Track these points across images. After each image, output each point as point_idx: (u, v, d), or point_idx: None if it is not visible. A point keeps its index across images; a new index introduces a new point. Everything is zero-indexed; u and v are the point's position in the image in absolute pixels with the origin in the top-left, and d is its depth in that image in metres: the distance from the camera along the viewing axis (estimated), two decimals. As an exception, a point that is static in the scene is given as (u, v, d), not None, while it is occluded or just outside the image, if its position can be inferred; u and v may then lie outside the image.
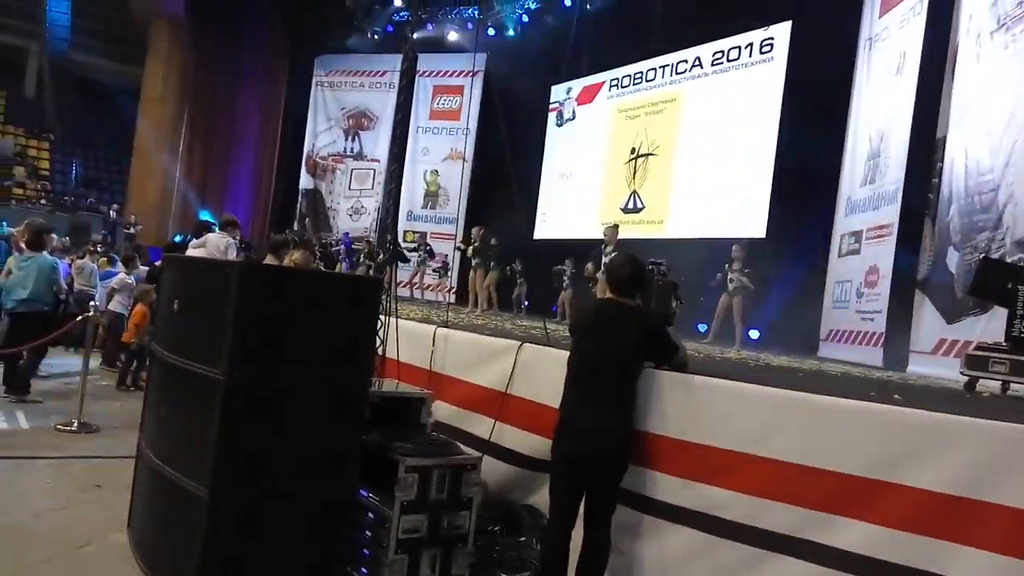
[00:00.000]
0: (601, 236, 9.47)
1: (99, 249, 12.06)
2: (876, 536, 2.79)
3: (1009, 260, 6.16)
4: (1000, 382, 4.49)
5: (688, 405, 3.49)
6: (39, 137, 24.99)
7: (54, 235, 7.62)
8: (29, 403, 6.75)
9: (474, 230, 11.43)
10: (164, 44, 19.09)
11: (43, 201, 22.84)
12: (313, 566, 3.46)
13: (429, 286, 14.81)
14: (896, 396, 3.40)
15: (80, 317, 6.42)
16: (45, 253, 7.07)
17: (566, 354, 3.68)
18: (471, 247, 11.01)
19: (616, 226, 9.67)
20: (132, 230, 17.34)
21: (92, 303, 6.76)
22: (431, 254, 13.74)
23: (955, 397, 4.30)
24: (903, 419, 2.87)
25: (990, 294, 5.10)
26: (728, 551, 3.23)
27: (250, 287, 3.20)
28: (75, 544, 3.79)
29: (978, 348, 4.67)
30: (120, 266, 9.75)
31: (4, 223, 11.79)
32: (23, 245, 7.07)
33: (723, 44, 12.51)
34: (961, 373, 4.70)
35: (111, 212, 19.76)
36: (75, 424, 6.05)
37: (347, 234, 16.53)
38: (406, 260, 12.27)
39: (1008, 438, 2.61)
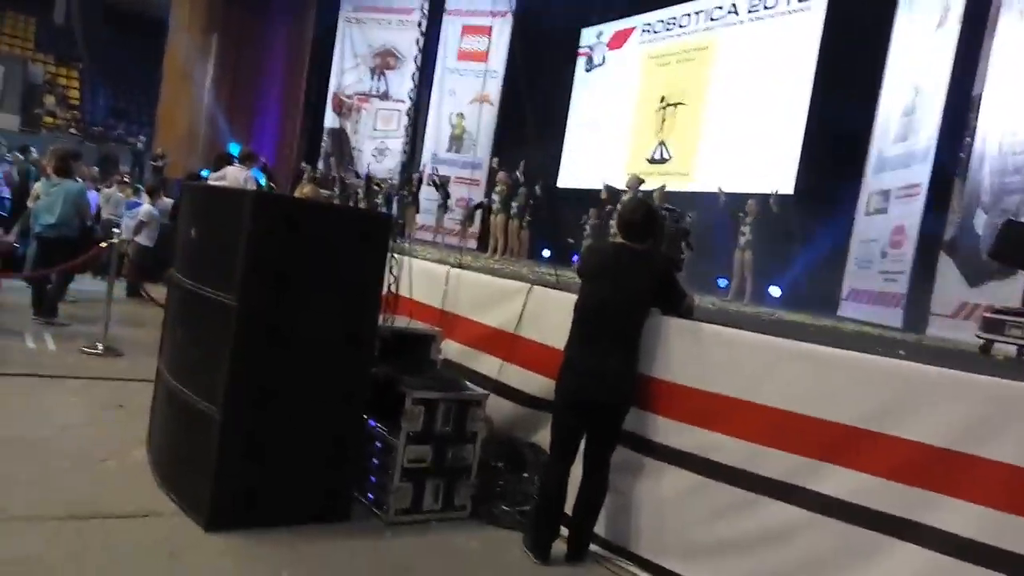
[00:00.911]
0: (624, 187, 9.42)
1: (126, 180, 12.19)
2: (866, 484, 2.85)
3: (1040, 224, 6.03)
4: (1016, 347, 4.46)
5: (691, 351, 3.53)
6: (68, 65, 25.06)
7: (83, 163, 7.69)
8: (57, 326, 6.95)
9: (500, 175, 11.35)
10: (192, -25, 18.94)
11: (72, 130, 23.02)
12: (321, 490, 3.60)
13: (452, 231, 14.81)
14: (901, 352, 3.41)
15: (106, 244, 6.54)
16: (73, 179, 7.17)
17: (575, 298, 3.72)
18: (496, 193, 10.96)
19: (638, 176, 9.60)
20: (159, 163, 17.46)
21: (116, 231, 6.88)
22: (446, 194, 13.63)
23: (964, 358, 4.28)
24: (898, 371, 2.90)
25: (1012, 258, 5.02)
26: (722, 493, 3.31)
27: (263, 216, 3.26)
28: (97, 458, 3.95)
29: (995, 311, 4.63)
30: (144, 197, 9.88)
31: (32, 149, 11.94)
32: (50, 171, 7.19)
33: (761, -9, 12.15)
34: (976, 336, 4.68)
35: (139, 143, 19.90)
36: (100, 347, 6.23)
37: (368, 174, 16.52)
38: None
39: (1001, 395, 2.64)
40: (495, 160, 15.63)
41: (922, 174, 8.27)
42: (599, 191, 11.89)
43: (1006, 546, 2.51)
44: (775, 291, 9.75)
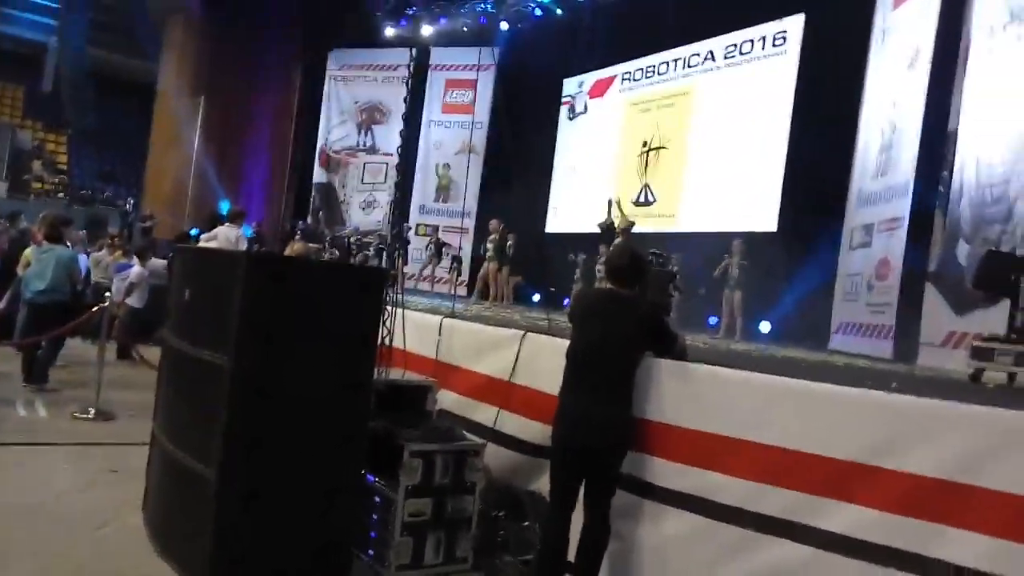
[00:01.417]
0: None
1: (116, 242, 12.22)
2: (870, 519, 2.85)
3: (1020, 253, 6.14)
4: (1006, 373, 4.50)
5: (686, 392, 3.55)
6: (57, 131, 25.31)
7: (73, 228, 7.74)
8: (47, 392, 6.91)
9: (492, 223, 11.44)
10: (179, 39, 19.26)
11: (61, 195, 23.14)
12: (320, 548, 3.56)
13: (440, 279, 14.88)
14: (893, 384, 3.44)
15: (96, 308, 6.54)
16: (64, 245, 7.20)
17: (568, 343, 3.74)
18: (489, 241, 11.02)
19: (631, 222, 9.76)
20: (148, 224, 17.52)
21: (107, 294, 6.88)
22: (439, 253, 13.74)
23: (957, 387, 4.32)
24: (895, 405, 2.93)
25: (995, 286, 5.10)
26: (725, 534, 3.30)
27: (257, 276, 3.29)
28: (94, 525, 3.92)
29: (983, 339, 4.69)
30: (134, 259, 9.90)
31: (22, 216, 11.97)
32: (41, 237, 7.22)
33: (736, 37, 12.47)
34: (967, 364, 4.72)
35: (127, 206, 20.00)
36: (92, 412, 6.19)
37: (357, 227, 16.64)
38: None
39: (999, 424, 2.66)
40: (480, 208, 15.86)
41: (903, 208, 8.40)
42: (586, 235, 12.03)
43: (1009, 575, 2.50)
44: (765, 327, 9.81)
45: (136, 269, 9.12)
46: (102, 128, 24.67)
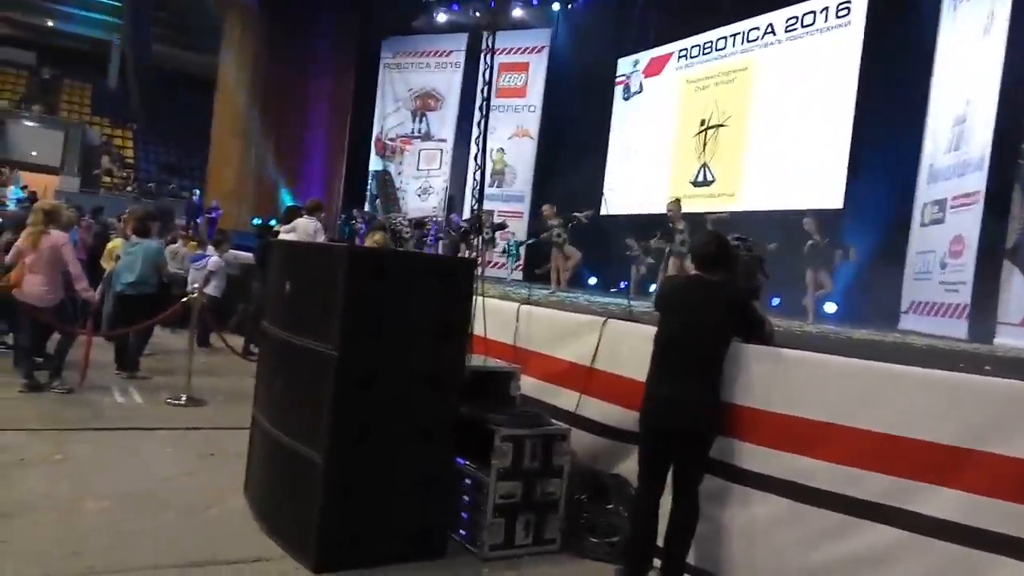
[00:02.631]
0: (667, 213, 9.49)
1: (189, 234, 12.66)
2: (967, 503, 2.85)
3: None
4: (1096, 353, 4.41)
5: (775, 377, 3.57)
6: (123, 127, 26.19)
7: (159, 222, 8.07)
8: (139, 379, 7.25)
9: (546, 208, 11.46)
10: (238, 33, 19.77)
11: (128, 188, 23.99)
12: (417, 528, 3.72)
13: (494, 263, 14.95)
14: (987, 367, 3.41)
15: (184, 299, 6.84)
16: (151, 239, 7.53)
17: (650, 329, 3.80)
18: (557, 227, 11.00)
19: (678, 200, 9.66)
20: (213, 214, 18.08)
21: (195, 285, 7.18)
22: (494, 237, 13.76)
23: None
24: (992, 389, 2.92)
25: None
26: (816, 518, 3.33)
27: (357, 270, 3.43)
28: (201, 507, 4.14)
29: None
30: (210, 249, 10.26)
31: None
32: (129, 231, 7.56)
33: (797, 9, 12.19)
34: (1054, 344, 4.64)
35: (192, 197, 20.64)
36: (184, 398, 6.48)
37: (405, 214, 16.78)
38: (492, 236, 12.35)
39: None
40: (535, 192, 15.86)
41: (978, 182, 8.17)
42: (643, 216, 11.97)
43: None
44: (830, 307, 9.66)
45: (215, 259, 9.47)
46: (166, 122, 25.44)
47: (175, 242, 10.88)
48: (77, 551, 3.43)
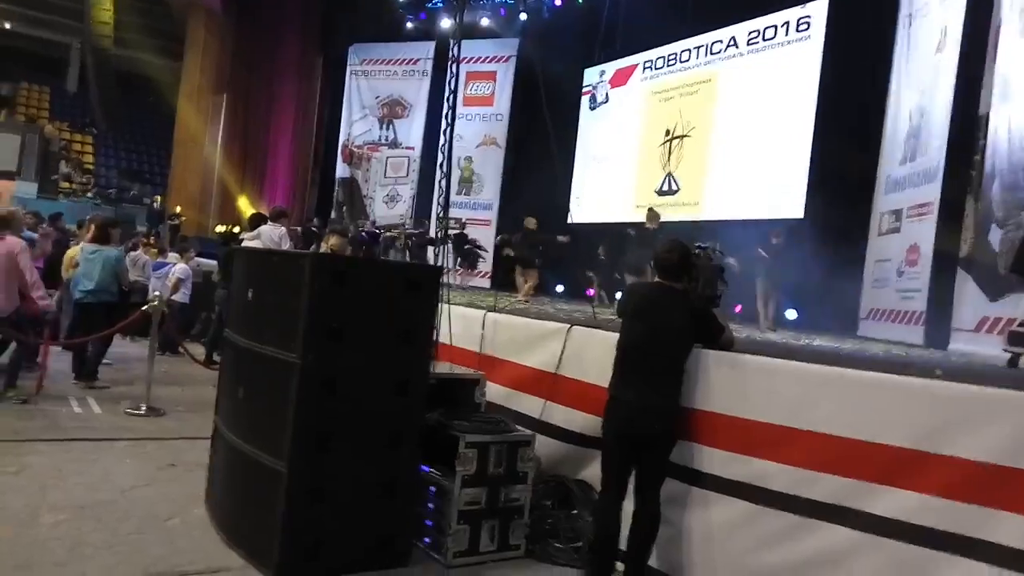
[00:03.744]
0: (633, 219, 9.62)
1: (150, 241, 12.48)
2: (918, 503, 2.94)
3: (1052, 237, 6.16)
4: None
5: (734, 382, 3.65)
6: (83, 132, 25.67)
7: (119, 230, 7.93)
8: (98, 389, 7.12)
9: (529, 220, 11.43)
10: (202, 37, 19.53)
11: (88, 194, 23.50)
12: (381, 535, 3.71)
13: (461, 272, 14.92)
14: (938, 371, 3.52)
15: (145, 308, 6.73)
16: (111, 246, 7.40)
17: (614, 336, 3.85)
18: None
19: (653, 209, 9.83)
20: (176, 221, 17.81)
21: (156, 293, 7.08)
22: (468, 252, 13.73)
23: (997, 373, 4.38)
24: (944, 392, 3.01)
25: (1031, 271, 5.15)
26: (773, 519, 3.40)
27: (321, 277, 3.43)
28: (161, 517, 4.08)
29: (1021, 324, 4.75)
30: (172, 256, 10.12)
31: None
32: (89, 238, 7.42)
33: (758, 23, 12.42)
34: (1004, 350, 4.79)
35: (154, 204, 20.28)
36: (143, 408, 6.38)
37: (373, 221, 16.77)
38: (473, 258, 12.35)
39: (1048, 409, 2.74)
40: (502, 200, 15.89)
41: (932, 193, 8.40)
42: (611, 225, 12.07)
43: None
44: (791, 314, 9.83)
45: (182, 266, 9.34)
46: (127, 127, 25.00)
47: (135, 249, 10.72)
48: (30, 565, 3.36)
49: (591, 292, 11.77)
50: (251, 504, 3.70)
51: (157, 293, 7.18)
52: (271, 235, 6.89)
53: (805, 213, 10.90)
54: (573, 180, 15.94)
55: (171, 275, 8.97)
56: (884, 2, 9.96)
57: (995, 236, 7.34)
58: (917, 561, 2.93)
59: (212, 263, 10.19)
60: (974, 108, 7.91)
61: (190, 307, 9.08)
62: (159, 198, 20.15)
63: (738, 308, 9.71)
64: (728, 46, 12.99)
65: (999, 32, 7.68)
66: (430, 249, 12.78)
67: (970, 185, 7.89)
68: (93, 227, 7.41)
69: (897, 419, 3.07)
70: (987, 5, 7.95)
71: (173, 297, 8.97)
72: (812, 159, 11.03)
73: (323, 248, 6.61)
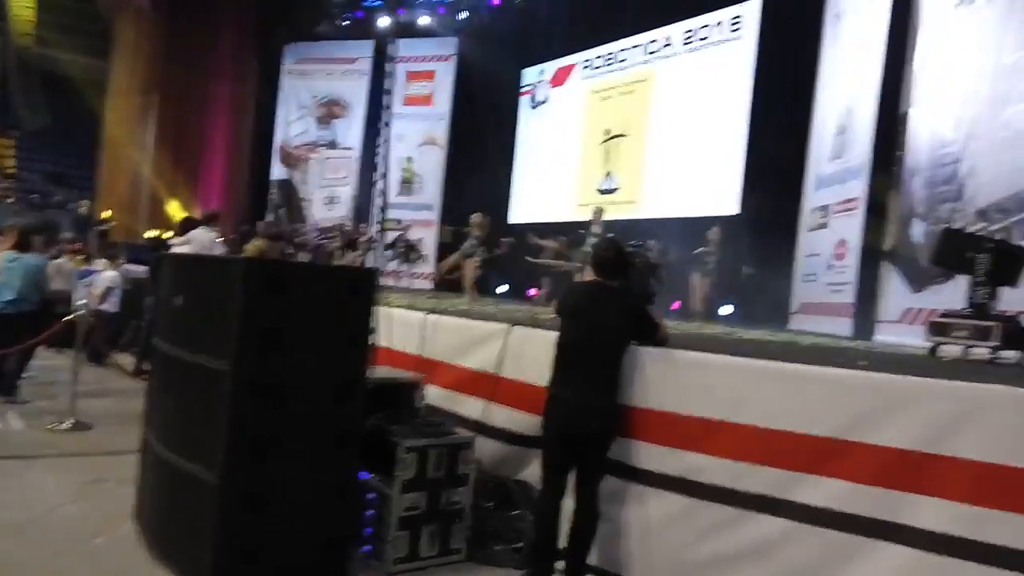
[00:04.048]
0: (578, 218, 9.69)
1: (75, 248, 11.98)
2: (845, 491, 3.04)
3: (971, 230, 6.42)
4: (962, 347, 4.75)
5: (668, 378, 3.71)
6: (4, 135, 24.57)
7: (42, 237, 7.58)
8: (19, 404, 6.81)
9: (475, 217, 11.36)
10: (131, 36, 18.84)
11: (10, 200, 22.50)
12: (320, 546, 3.64)
13: (404, 273, 14.83)
14: (862, 362, 3.63)
15: (69, 318, 6.47)
16: (33, 254, 7.09)
17: (554, 335, 3.87)
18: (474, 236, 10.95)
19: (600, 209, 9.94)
20: (105, 227, 17.15)
21: (81, 302, 6.81)
22: (409, 249, 13.64)
23: (918, 362, 4.54)
24: (866, 382, 3.11)
25: (951, 263, 5.34)
26: (708, 512, 3.47)
27: (253, 282, 3.34)
28: (88, 535, 3.93)
29: (941, 315, 4.93)
30: (99, 264, 9.75)
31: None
32: (9, 246, 7.09)
33: (693, 23, 12.65)
34: (925, 340, 4.96)
35: (81, 209, 19.49)
36: (68, 422, 6.13)
37: (316, 224, 16.55)
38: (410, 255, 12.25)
39: (963, 396, 2.86)
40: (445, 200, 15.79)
41: (858, 189, 8.68)
42: (552, 224, 12.13)
43: (978, 537, 2.69)
44: (726, 309, 10.05)
45: (110, 274, 8.99)
46: (52, 129, 24.01)
47: (59, 257, 10.30)
48: (-54, 590, 3.20)
49: (534, 292, 11.80)
50: (183, 519, 3.58)
51: (83, 302, 6.88)
52: (203, 240, 6.70)
53: (741, 209, 11.15)
54: (514, 179, 15.99)
55: (98, 283, 8.61)
56: (812, 2, 10.24)
57: (917, 230, 7.64)
58: (844, 547, 3.02)
59: (141, 269, 9.86)
60: (896, 106, 8.20)
61: (119, 316, 8.74)
62: (86, 203, 19.37)
63: (676, 304, 9.90)
64: (664, 45, 13.20)
65: (918, 33, 7.99)
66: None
67: (894, 182, 8.19)
68: (13, 234, 7.08)
69: (824, 409, 3.16)
70: (908, 5, 8.25)
71: (101, 306, 8.63)
72: (747, 156, 11.29)
73: (247, 252, 6.44)
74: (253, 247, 6.63)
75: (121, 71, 18.89)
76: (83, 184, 22.41)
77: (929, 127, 7.66)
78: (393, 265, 14.48)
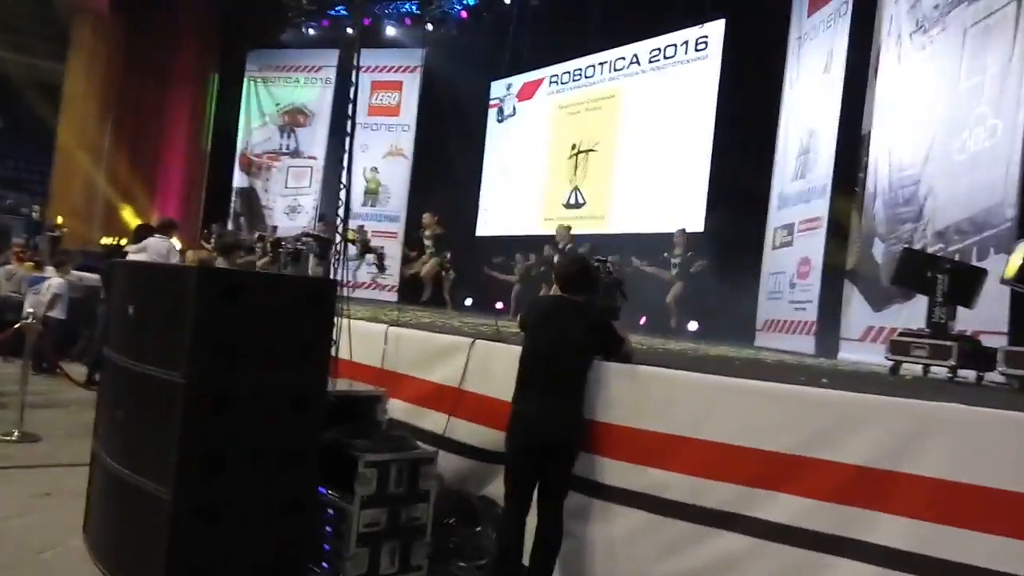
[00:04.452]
0: (544, 232, 9.71)
1: (25, 254, 11.63)
2: (804, 508, 3.04)
3: (930, 250, 6.56)
4: (922, 366, 4.83)
5: (632, 393, 3.69)
6: (-45, 136, 23.84)
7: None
8: (-37, 414, 6.54)
9: (426, 216, 11.35)
10: (88, 40, 18.38)
11: (-42, 204, 21.79)
12: (275, 562, 3.53)
13: (367, 284, 14.70)
14: (824, 380, 3.66)
15: (18, 326, 6.24)
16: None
17: (518, 349, 3.84)
18: (425, 237, 10.95)
19: (568, 227, 9.97)
20: (56, 233, 16.67)
21: (30, 310, 6.58)
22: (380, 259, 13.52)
23: (879, 380, 4.61)
24: (825, 400, 3.14)
25: (912, 283, 5.44)
26: (671, 529, 3.45)
27: (208, 291, 3.24)
28: (35, 550, 3.78)
29: (901, 334, 5.01)
30: (50, 271, 9.45)
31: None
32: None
33: (660, 42, 12.80)
34: (886, 358, 5.04)
35: (33, 213, 18.93)
36: (15, 433, 5.90)
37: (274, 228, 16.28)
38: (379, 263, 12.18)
39: (919, 414, 2.89)
40: (410, 212, 15.73)
41: (821, 208, 8.83)
42: (518, 238, 12.14)
43: (933, 554, 2.71)
44: (692, 325, 10.10)
45: (58, 280, 8.71)
46: (4, 133, 23.35)
47: (8, 263, 9.99)
48: None
49: (500, 306, 11.75)
50: (133, 533, 3.45)
51: (31, 310, 6.64)
52: (159, 248, 6.53)
53: (705, 227, 11.26)
54: (481, 192, 15.97)
55: (46, 289, 8.30)
56: (776, 24, 10.44)
57: (879, 249, 7.79)
58: (804, 564, 3.02)
59: (94, 277, 9.57)
60: (858, 128, 8.38)
61: (68, 324, 8.46)
62: (39, 208, 18.83)
63: (643, 320, 9.92)
64: (631, 63, 13.33)
65: (879, 56, 8.18)
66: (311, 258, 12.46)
67: (855, 201, 8.35)
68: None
69: (785, 426, 3.17)
70: (868, 31, 8.46)
71: (50, 313, 8.35)
72: (711, 174, 11.41)
73: (188, 261, 6.28)
74: (193, 256, 6.47)
75: (77, 75, 18.43)
76: (36, 189, 21.82)
77: (889, 149, 7.83)
78: (361, 275, 14.29)
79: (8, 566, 3.58)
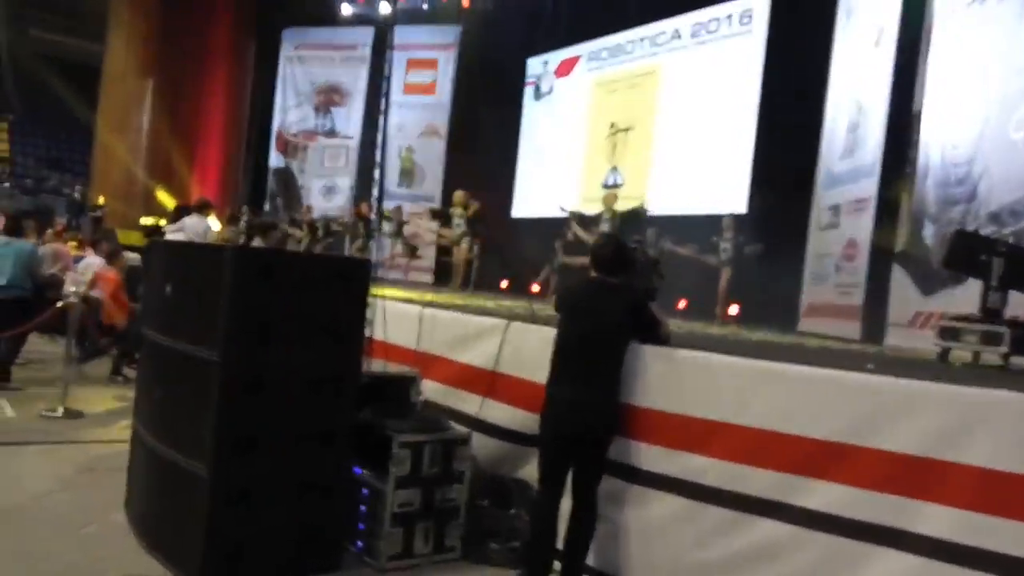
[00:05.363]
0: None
1: (70, 234, 11.86)
2: (847, 496, 2.95)
3: (983, 232, 6.29)
4: (972, 352, 4.65)
5: (670, 377, 3.61)
6: (-2, 117, 24.37)
7: (33, 221, 7.49)
8: (11, 390, 6.72)
9: (458, 194, 11.27)
10: (126, 19, 18.60)
11: (4, 184, 22.35)
12: (310, 540, 3.56)
13: (400, 265, 14.70)
14: (870, 365, 3.54)
15: (61, 304, 6.37)
16: (25, 239, 7.00)
17: (553, 331, 3.77)
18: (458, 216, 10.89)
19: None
20: (98, 212, 16.99)
21: (72, 289, 6.70)
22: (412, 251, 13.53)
23: (927, 366, 4.45)
24: (871, 386, 3.03)
25: (964, 266, 5.21)
26: (708, 515, 3.38)
27: (243, 271, 3.25)
28: (77, 525, 3.86)
29: (951, 319, 4.82)
30: (89, 250, 9.57)
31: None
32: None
33: (702, 15, 12.46)
34: (934, 344, 4.86)
35: (75, 194, 19.28)
36: (60, 410, 6.05)
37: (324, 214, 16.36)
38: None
39: (969, 402, 2.78)
40: (445, 192, 15.71)
41: (870, 188, 8.52)
42: (554, 219, 12.02)
43: (981, 545, 2.62)
44: (733, 309, 9.91)
45: (97, 259, 8.84)
46: (46, 113, 23.80)
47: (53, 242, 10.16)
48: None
49: (536, 287, 11.69)
50: (172, 509, 3.51)
51: (73, 289, 6.76)
52: (196, 227, 6.60)
53: (748, 208, 11.00)
54: (517, 173, 15.82)
55: (86, 269, 8.40)
56: (824, -4, 10.08)
57: (929, 232, 7.50)
58: (846, 553, 2.94)
59: (135, 257, 9.71)
60: (909, 104, 8.06)
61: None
62: (81, 188, 19.16)
63: (682, 303, 9.77)
64: (672, 38, 13.02)
65: (932, 30, 7.85)
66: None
67: (906, 182, 8.05)
68: (4, 218, 6.99)
69: (828, 413, 3.07)
70: (920, 3, 8.11)
71: (92, 293, 8.48)
72: (755, 153, 11.13)
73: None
74: (216, 235, 6.51)
75: (116, 53, 18.61)
76: (78, 169, 22.24)
77: (942, 126, 7.52)
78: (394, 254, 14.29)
79: (51, 539, 3.66)
